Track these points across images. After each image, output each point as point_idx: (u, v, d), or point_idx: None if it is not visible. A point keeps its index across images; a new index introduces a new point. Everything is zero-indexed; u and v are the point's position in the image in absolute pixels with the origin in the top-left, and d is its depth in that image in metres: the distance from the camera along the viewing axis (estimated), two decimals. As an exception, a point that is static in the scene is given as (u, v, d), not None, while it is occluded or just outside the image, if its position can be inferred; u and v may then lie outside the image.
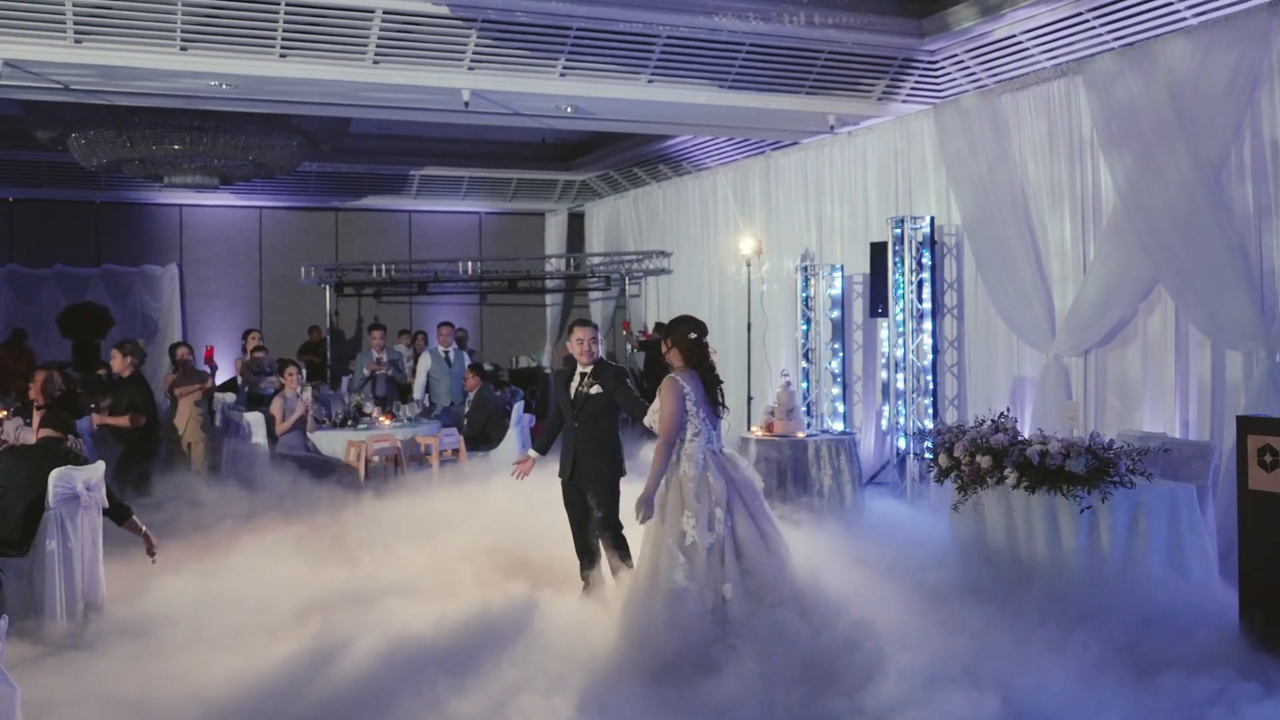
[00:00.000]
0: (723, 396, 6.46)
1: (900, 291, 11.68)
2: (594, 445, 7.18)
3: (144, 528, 7.36)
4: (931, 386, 11.68)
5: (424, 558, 8.19)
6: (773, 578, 6.11)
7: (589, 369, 7.27)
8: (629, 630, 5.98)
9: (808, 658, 5.62)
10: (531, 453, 7.72)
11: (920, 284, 11.62)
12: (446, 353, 13.46)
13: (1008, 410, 8.10)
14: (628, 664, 5.71)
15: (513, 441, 12.48)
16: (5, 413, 8.40)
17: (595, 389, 7.18)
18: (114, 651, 6.23)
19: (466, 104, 10.70)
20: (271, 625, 6.75)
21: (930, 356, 11.67)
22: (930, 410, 11.62)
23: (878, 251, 12.00)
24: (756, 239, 14.25)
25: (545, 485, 7.75)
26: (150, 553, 7.30)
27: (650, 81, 10.58)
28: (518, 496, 8.63)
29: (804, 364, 13.56)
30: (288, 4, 9.03)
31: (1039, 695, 5.24)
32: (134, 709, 5.34)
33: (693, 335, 6.49)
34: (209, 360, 13.94)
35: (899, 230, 11.67)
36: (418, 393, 13.36)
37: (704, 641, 5.80)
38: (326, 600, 7.21)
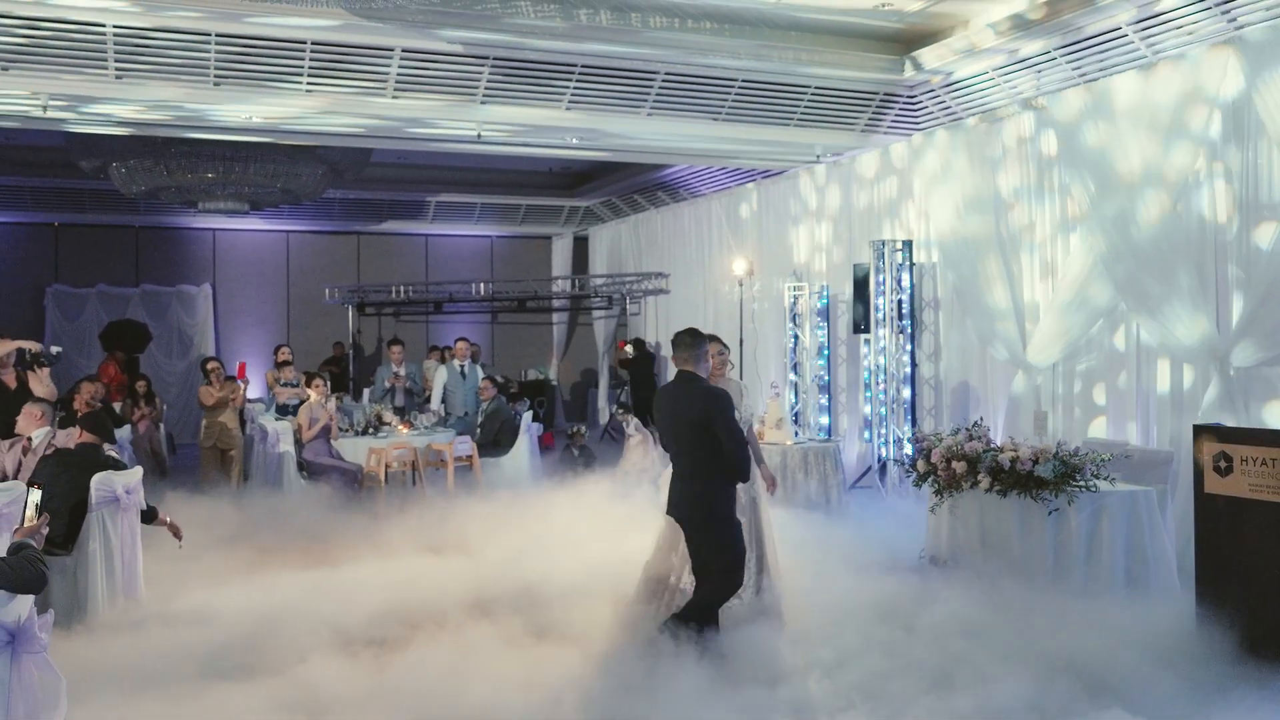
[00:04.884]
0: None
1: (881, 309, 11.70)
2: None
3: (168, 518, 7.36)
4: (910, 397, 11.70)
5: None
6: None
7: None
8: None
9: None
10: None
11: (900, 302, 11.66)
12: (461, 366, 13.46)
13: (981, 419, 8.12)
14: None
15: (523, 448, 12.50)
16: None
17: None
18: (148, 642, 6.23)
19: (479, 135, 10.74)
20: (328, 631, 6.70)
21: (909, 369, 11.70)
22: (909, 419, 11.63)
23: (861, 272, 12.03)
24: (748, 261, 14.28)
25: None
26: (178, 537, 7.29)
27: (650, 114, 10.63)
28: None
29: (792, 376, 13.58)
30: (313, 43, 9.08)
31: (998, 689, 5.24)
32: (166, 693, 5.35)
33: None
34: (241, 376, 13.97)
35: (880, 252, 11.70)
36: (434, 403, 13.37)
37: None
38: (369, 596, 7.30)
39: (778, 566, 6.48)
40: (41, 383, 8.76)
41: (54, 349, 9.08)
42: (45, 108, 9.41)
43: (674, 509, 5.94)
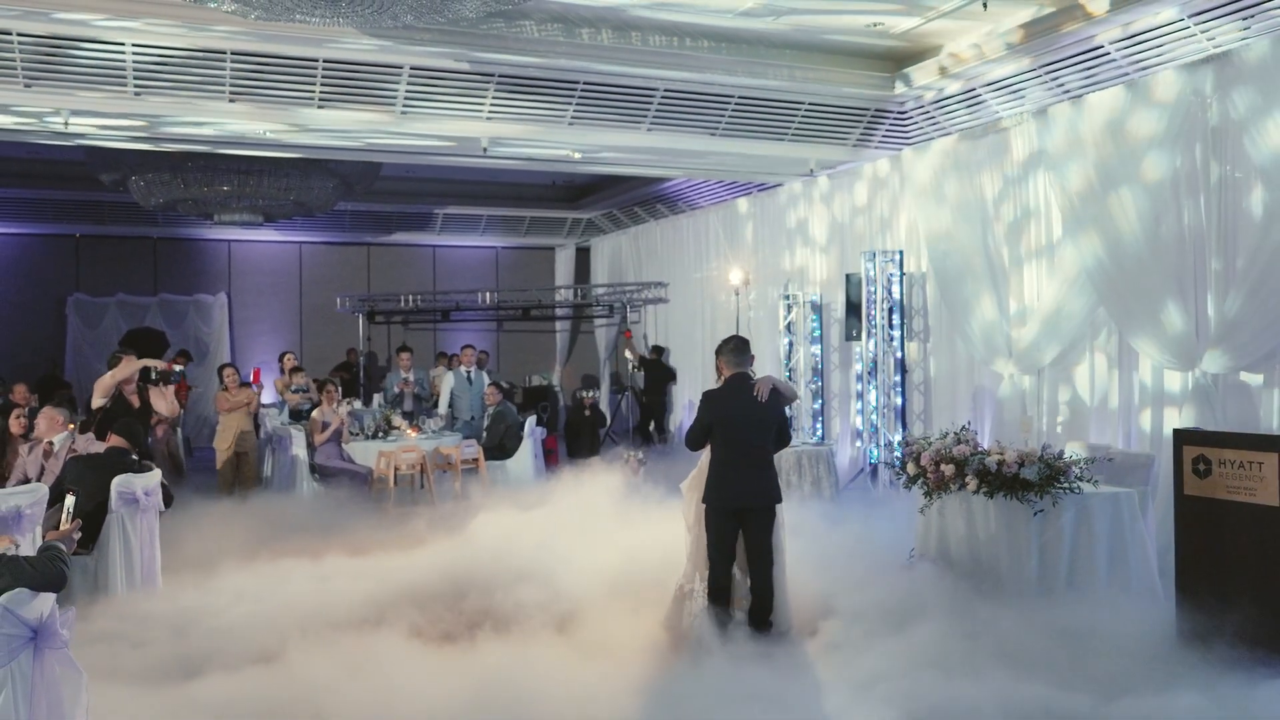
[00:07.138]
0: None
1: (873, 317, 11.72)
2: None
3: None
4: (900, 402, 11.71)
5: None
6: None
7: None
8: None
9: None
10: None
11: (890, 311, 11.67)
12: (468, 372, 13.48)
13: (969, 423, 8.13)
14: None
15: (527, 452, 12.51)
16: (73, 425, 8.37)
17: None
18: (162, 637, 6.24)
19: (485, 150, 10.76)
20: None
21: (899, 375, 11.70)
22: (899, 424, 11.64)
23: (853, 282, 12.05)
24: (744, 271, 14.29)
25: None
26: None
27: (650, 130, 10.65)
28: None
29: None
30: (325, 61, 9.10)
31: (981, 684, 5.24)
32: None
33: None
34: (256, 381, 13.96)
35: (871, 263, 11.72)
36: (441, 408, 13.39)
37: None
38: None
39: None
40: (164, 398, 8.80)
41: (177, 368, 9.15)
42: (66, 123, 9.44)
43: (761, 496, 6.21)
